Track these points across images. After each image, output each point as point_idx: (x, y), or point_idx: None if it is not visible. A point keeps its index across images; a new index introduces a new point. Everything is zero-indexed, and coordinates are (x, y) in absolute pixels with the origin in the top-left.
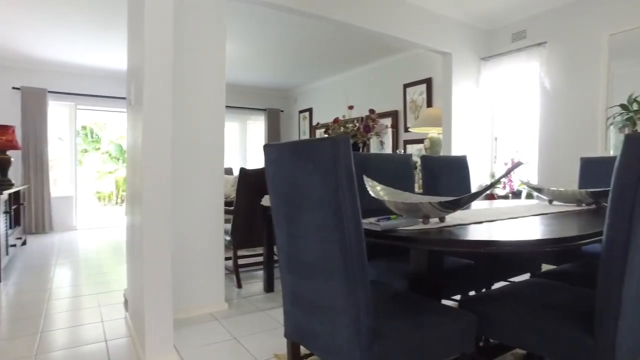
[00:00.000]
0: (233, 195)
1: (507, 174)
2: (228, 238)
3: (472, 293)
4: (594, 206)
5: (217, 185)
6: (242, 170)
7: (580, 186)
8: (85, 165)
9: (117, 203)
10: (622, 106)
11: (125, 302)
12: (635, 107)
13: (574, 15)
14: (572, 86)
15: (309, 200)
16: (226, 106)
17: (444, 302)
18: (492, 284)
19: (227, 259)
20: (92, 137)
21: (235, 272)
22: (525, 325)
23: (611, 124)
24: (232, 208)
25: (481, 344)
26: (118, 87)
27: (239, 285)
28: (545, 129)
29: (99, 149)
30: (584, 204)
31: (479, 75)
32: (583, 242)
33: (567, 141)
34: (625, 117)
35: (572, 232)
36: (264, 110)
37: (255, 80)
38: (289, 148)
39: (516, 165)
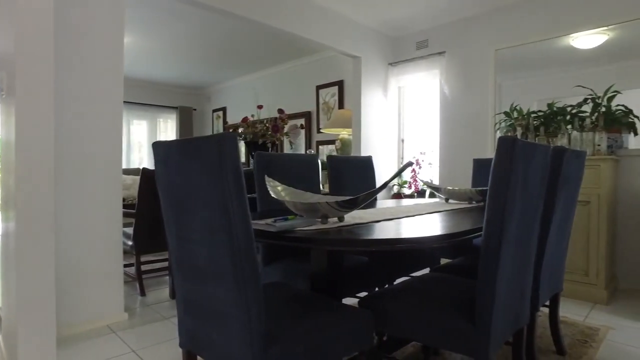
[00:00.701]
0: None
1: (398, 174)
2: (130, 243)
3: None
4: (482, 203)
5: (114, 187)
6: (145, 170)
7: (473, 185)
8: None
9: None
10: (506, 113)
11: None
12: (515, 114)
13: (468, 29)
14: (466, 94)
15: (197, 201)
16: (134, 103)
17: (349, 300)
18: (395, 280)
19: (129, 265)
20: None
21: (138, 279)
22: (415, 318)
23: (497, 129)
24: (134, 211)
25: (385, 338)
26: None
27: (143, 293)
28: (444, 132)
29: None
30: (474, 202)
31: (387, 79)
32: (466, 237)
33: (463, 144)
34: (508, 123)
35: (457, 229)
36: (176, 108)
37: (166, 76)
38: (177, 146)
39: (406, 165)
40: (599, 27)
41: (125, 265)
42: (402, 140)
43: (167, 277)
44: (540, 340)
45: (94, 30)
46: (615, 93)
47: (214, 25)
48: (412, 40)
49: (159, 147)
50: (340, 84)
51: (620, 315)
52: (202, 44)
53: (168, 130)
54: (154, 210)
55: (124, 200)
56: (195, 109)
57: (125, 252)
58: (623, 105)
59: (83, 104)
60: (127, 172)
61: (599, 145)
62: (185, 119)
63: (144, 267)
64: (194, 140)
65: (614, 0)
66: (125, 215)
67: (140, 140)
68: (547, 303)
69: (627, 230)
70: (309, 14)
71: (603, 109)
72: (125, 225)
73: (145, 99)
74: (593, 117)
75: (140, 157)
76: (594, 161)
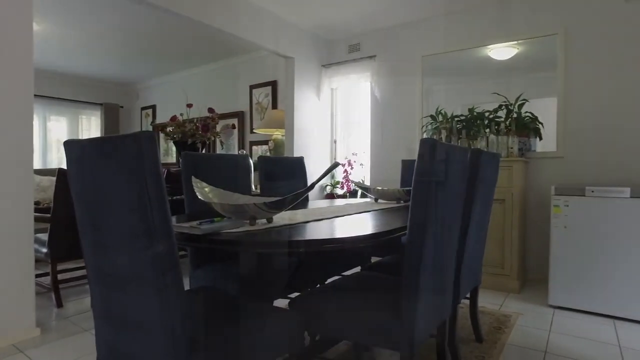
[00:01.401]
0: None
1: (325, 175)
2: (45, 250)
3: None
4: (410, 203)
5: (24, 189)
6: (61, 171)
7: (402, 185)
8: None
9: None
10: (432, 117)
11: None
12: (440, 118)
13: (397, 35)
14: (396, 97)
15: (114, 204)
16: (52, 97)
17: (281, 302)
18: (326, 280)
19: (44, 274)
20: None
21: (54, 290)
22: (342, 317)
23: (424, 131)
24: (48, 215)
25: (317, 338)
26: None
27: (59, 304)
28: (375, 133)
29: None
30: (402, 201)
31: (320, 81)
32: (391, 236)
33: (393, 145)
34: (434, 126)
35: (383, 228)
36: (100, 104)
37: (90, 70)
38: (92, 145)
39: (333, 166)
40: (509, 42)
41: (40, 275)
42: (335, 142)
43: (89, 286)
44: (462, 330)
45: None
46: (524, 101)
47: (141, 17)
48: (345, 43)
49: (72, 146)
50: (273, 84)
51: (529, 302)
52: (130, 37)
53: (92, 128)
54: (72, 214)
55: (39, 203)
56: (122, 107)
57: (39, 261)
58: (530, 112)
59: None
60: (44, 172)
61: (511, 148)
62: (111, 116)
63: (62, 276)
64: (110, 138)
65: (519, 20)
66: (39, 220)
67: (59, 138)
68: (468, 296)
69: (534, 225)
70: (241, 12)
71: (514, 115)
72: (41, 230)
73: (66, 93)
74: (507, 122)
75: (60, 156)
76: (508, 162)
